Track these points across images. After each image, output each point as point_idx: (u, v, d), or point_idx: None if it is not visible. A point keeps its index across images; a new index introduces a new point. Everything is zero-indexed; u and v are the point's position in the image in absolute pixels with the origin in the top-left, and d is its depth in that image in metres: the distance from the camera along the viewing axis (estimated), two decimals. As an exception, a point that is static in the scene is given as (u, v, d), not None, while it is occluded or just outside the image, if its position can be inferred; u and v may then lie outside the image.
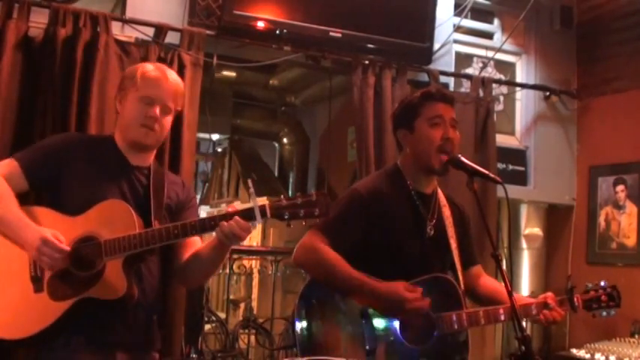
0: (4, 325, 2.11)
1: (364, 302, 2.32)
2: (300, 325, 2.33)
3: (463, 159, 2.37)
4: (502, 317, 2.40)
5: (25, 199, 2.28)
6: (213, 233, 2.21)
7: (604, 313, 2.51)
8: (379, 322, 2.34)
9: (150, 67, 2.35)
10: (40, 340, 2.11)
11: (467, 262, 2.56)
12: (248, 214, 2.12)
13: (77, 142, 2.36)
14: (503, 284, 2.64)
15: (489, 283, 2.64)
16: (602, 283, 2.52)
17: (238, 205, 2.19)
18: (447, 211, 2.53)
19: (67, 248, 2.12)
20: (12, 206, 2.18)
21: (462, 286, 2.45)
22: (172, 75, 2.36)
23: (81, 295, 2.11)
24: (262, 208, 2.12)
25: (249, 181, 2.17)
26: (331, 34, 3.59)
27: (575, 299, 2.48)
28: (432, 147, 2.39)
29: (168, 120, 2.33)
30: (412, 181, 2.49)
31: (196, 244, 2.37)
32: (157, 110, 2.27)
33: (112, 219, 2.17)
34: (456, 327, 2.35)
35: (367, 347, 2.30)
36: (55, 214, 2.21)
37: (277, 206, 2.13)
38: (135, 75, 2.30)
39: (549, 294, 2.49)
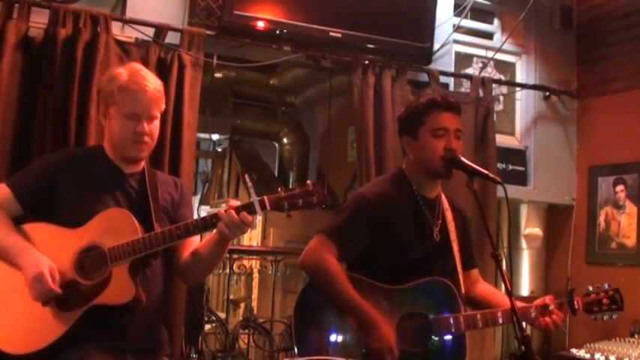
0: (15, 341, 2.12)
1: (355, 324, 2.31)
2: (298, 326, 2.33)
3: (463, 159, 2.38)
4: (500, 320, 2.39)
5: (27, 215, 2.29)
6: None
7: (605, 317, 2.49)
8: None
9: (124, 77, 2.26)
10: (53, 352, 2.11)
11: (465, 266, 2.56)
12: (248, 208, 2.14)
13: (67, 160, 2.34)
14: (499, 290, 2.67)
15: (486, 288, 2.65)
16: (606, 286, 2.51)
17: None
18: (449, 215, 2.55)
19: (59, 290, 2.12)
20: (7, 232, 2.20)
21: (463, 290, 2.46)
22: (150, 82, 2.29)
23: (89, 304, 2.13)
24: (261, 200, 2.14)
25: (247, 176, 2.20)
26: (331, 34, 3.59)
27: (576, 302, 2.46)
28: (435, 156, 2.41)
29: (156, 125, 2.32)
30: (417, 186, 2.50)
31: (195, 241, 2.38)
32: (145, 124, 2.26)
33: (114, 227, 2.17)
34: (453, 330, 2.35)
35: (364, 350, 2.30)
36: (55, 228, 2.21)
37: (276, 198, 2.15)
38: (112, 90, 2.25)
39: (548, 297, 2.49)
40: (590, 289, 2.51)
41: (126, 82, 2.26)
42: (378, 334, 2.25)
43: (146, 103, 2.26)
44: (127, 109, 2.25)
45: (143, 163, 2.38)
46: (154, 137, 2.32)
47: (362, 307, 2.28)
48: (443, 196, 2.58)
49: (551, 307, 2.42)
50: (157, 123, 2.33)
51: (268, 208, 2.15)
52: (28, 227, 2.24)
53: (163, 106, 2.38)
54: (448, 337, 2.36)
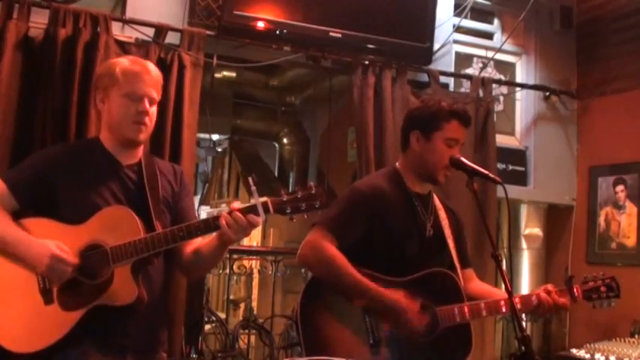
0: (18, 340, 2.11)
1: (366, 306, 2.33)
2: (304, 321, 2.33)
3: (463, 159, 2.39)
4: (503, 309, 2.42)
5: (24, 210, 2.28)
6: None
7: (604, 304, 2.52)
8: (382, 317, 2.34)
9: (126, 62, 2.31)
10: (53, 350, 2.11)
11: (459, 266, 2.57)
12: (251, 212, 2.14)
13: (62, 154, 2.33)
14: (494, 288, 2.69)
15: (480, 286, 2.67)
16: (601, 274, 2.54)
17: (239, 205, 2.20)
18: (442, 213, 2.58)
19: (76, 260, 2.12)
20: (8, 225, 2.19)
21: (462, 283, 2.47)
22: (151, 66, 2.35)
23: (92, 304, 2.13)
24: (265, 204, 2.14)
25: (250, 179, 2.18)
26: (331, 34, 3.59)
27: (575, 290, 2.49)
28: (441, 164, 2.45)
29: (154, 111, 2.33)
30: (410, 183, 2.52)
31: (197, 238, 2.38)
32: (146, 103, 2.27)
33: (115, 225, 2.17)
34: (458, 319, 2.37)
35: (371, 341, 2.31)
36: (56, 224, 2.20)
37: (279, 202, 2.14)
38: (114, 72, 2.26)
39: (549, 285, 2.51)
40: (588, 277, 2.55)
41: (128, 65, 2.29)
42: (392, 300, 2.28)
43: (148, 84, 2.28)
44: (129, 88, 2.25)
45: (140, 153, 2.37)
46: (152, 120, 2.32)
47: (368, 285, 2.31)
48: (434, 195, 2.61)
49: (553, 292, 2.44)
50: (155, 110, 2.33)
51: (271, 211, 2.14)
52: (28, 222, 2.22)
53: (159, 96, 2.37)
54: (454, 327, 2.37)
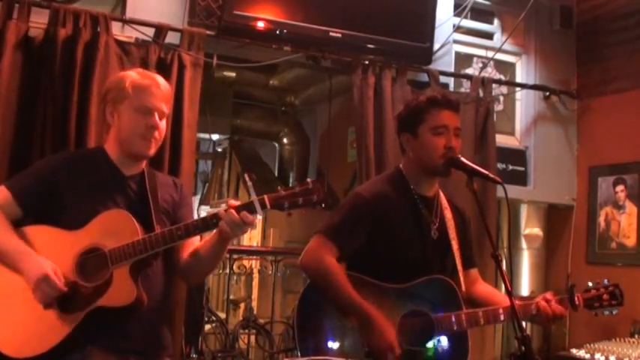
0: (17, 345, 2.11)
1: (357, 324, 2.31)
2: (301, 326, 2.33)
3: (463, 159, 2.38)
4: (502, 317, 2.39)
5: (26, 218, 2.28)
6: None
7: (606, 312, 2.49)
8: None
9: (136, 76, 2.32)
10: (55, 355, 2.11)
11: (464, 265, 2.55)
12: (249, 208, 2.14)
13: (67, 162, 2.34)
14: (498, 290, 2.66)
15: (485, 288, 2.65)
16: (606, 282, 2.51)
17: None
18: (448, 214, 2.54)
19: (65, 289, 2.12)
20: (8, 235, 2.19)
21: (463, 288, 2.46)
22: (161, 79, 2.35)
23: (91, 306, 2.12)
24: (262, 199, 2.14)
25: (246, 175, 2.19)
26: (331, 34, 3.59)
27: (576, 298, 2.46)
28: (435, 155, 2.41)
29: (164, 125, 2.34)
30: (415, 185, 2.50)
31: (195, 241, 2.38)
32: (156, 118, 2.27)
33: (114, 229, 2.17)
34: (455, 328, 2.35)
35: (367, 349, 2.30)
36: (56, 230, 2.21)
37: (276, 197, 2.15)
38: (123, 86, 2.27)
39: (548, 293, 2.49)
40: (590, 284, 2.51)
41: (138, 78, 2.30)
42: (379, 333, 2.25)
43: (158, 98, 2.29)
44: (139, 102, 2.25)
45: (143, 165, 2.38)
46: (162, 135, 2.33)
47: (362, 306, 2.28)
48: (441, 195, 2.58)
49: (551, 300, 2.41)
50: (164, 123, 2.34)
51: (268, 207, 2.15)
52: (29, 230, 2.23)
53: (170, 109, 2.38)
54: (451, 335, 2.36)
